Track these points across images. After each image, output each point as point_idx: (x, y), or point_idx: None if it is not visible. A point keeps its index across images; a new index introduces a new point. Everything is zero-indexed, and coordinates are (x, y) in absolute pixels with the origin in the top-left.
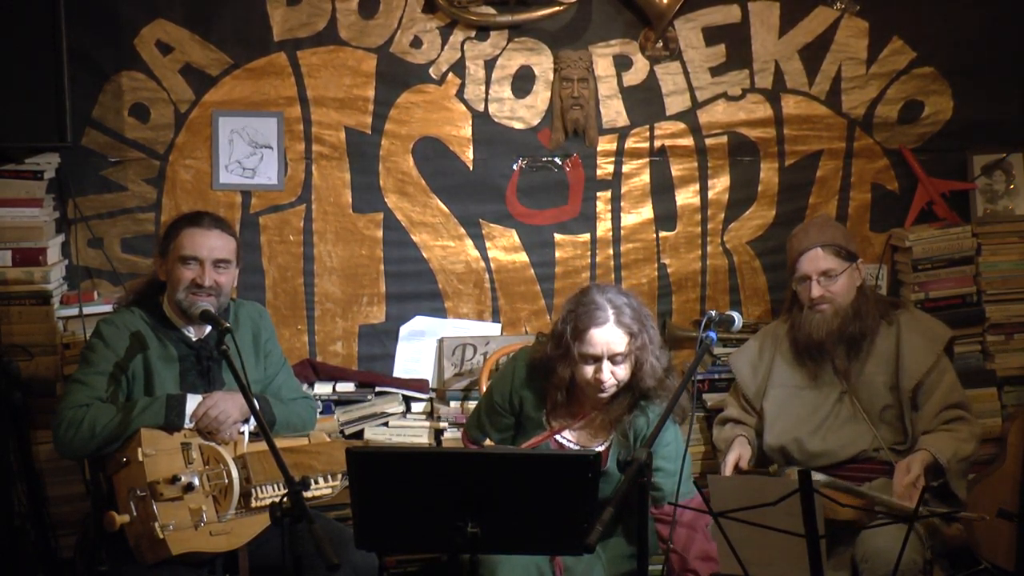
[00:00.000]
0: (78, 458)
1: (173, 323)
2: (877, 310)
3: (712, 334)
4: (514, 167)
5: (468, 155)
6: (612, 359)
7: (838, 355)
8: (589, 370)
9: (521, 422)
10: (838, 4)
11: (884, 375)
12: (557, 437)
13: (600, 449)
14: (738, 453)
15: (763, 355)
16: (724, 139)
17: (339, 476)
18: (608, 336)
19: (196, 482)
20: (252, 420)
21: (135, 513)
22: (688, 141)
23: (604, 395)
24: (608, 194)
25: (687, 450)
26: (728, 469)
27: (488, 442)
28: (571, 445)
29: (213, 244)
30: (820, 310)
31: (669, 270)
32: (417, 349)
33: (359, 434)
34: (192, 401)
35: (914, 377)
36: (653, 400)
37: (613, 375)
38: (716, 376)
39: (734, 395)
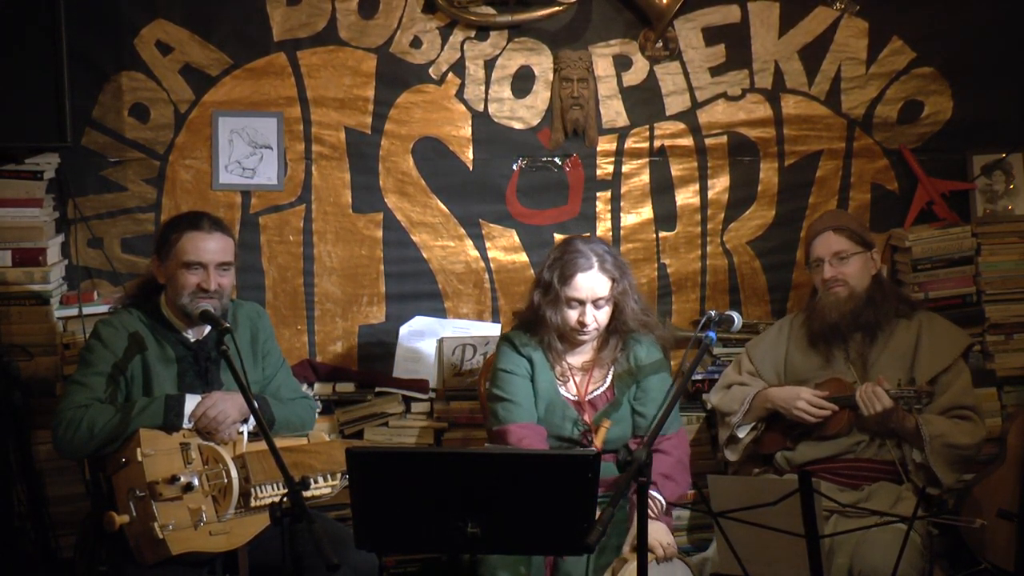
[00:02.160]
0: (77, 458)
1: (172, 324)
2: (894, 304)
3: (712, 334)
4: (514, 167)
5: (468, 155)
6: (595, 303)
7: (853, 342)
8: (573, 314)
9: (536, 384)
10: (838, 4)
11: (898, 370)
12: (567, 395)
13: (605, 388)
14: (807, 391)
15: (777, 348)
16: (724, 139)
17: (338, 476)
18: (592, 281)
19: (195, 482)
20: (251, 420)
21: (135, 513)
22: (688, 141)
23: (585, 337)
24: (608, 194)
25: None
26: (812, 399)
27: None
28: (570, 395)
29: (215, 248)
30: (834, 292)
31: (669, 270)
32: (417, 349)
33: (359, 434)
34: (191, 401)
35: (928, 374)
36: (640, 335)
37: (595, 319)
38: (716, 376)
39: (737, 369)
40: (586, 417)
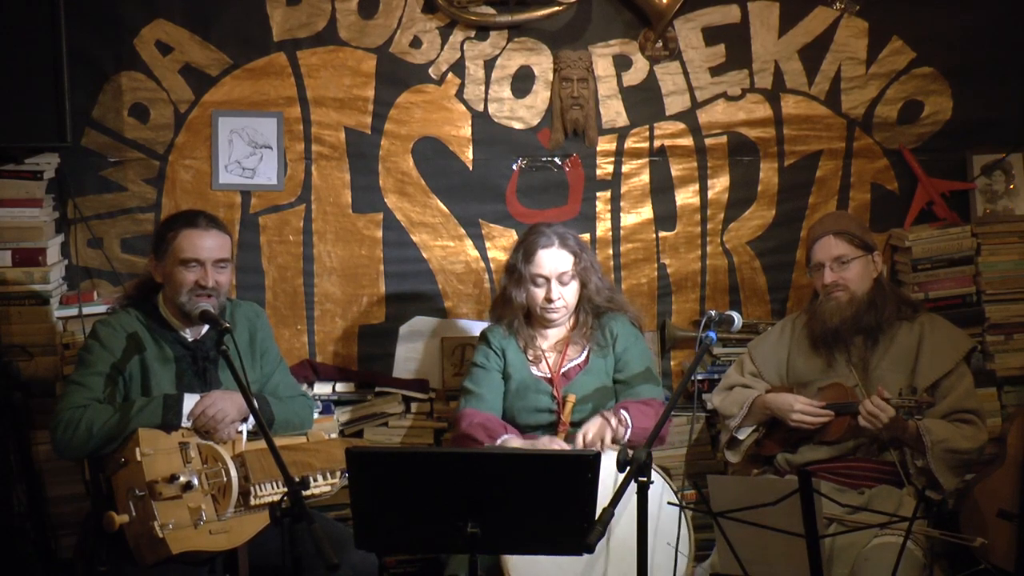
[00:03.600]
0: (76, 459)
1: (170, 324)
2: (896, 306)
3: (712, 334)
4: (514, 167)
5: (468, 155)
6: (560, 279)
7: (854, 346)
8: (540, 292)
9: (508, 372)
10: (838, 4)
11: (900, 374)
12: (539, 374)
13: (580, 360)
14: (802, 400)
15: (780, 349)
16: (724, 139)
17: (337, 474)
18: (555, 256)
19: (195, 481)
20: (250, 419)
21: (134, 513)
22: (688, 141)
23: (555, 316)
24: (608, 194)
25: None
26: (807, 408)
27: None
28: (542, 373)
29: (212, 244)
30: (835, 297)
31: (669, 270)
32: (417, 349)
33: (359, 434)
34: (189, 400)
35: (929, 377)
36: (609, 313)
37: (562, 296)
38: (716, 376)
39: (739, 369)
40: (556, 391)
